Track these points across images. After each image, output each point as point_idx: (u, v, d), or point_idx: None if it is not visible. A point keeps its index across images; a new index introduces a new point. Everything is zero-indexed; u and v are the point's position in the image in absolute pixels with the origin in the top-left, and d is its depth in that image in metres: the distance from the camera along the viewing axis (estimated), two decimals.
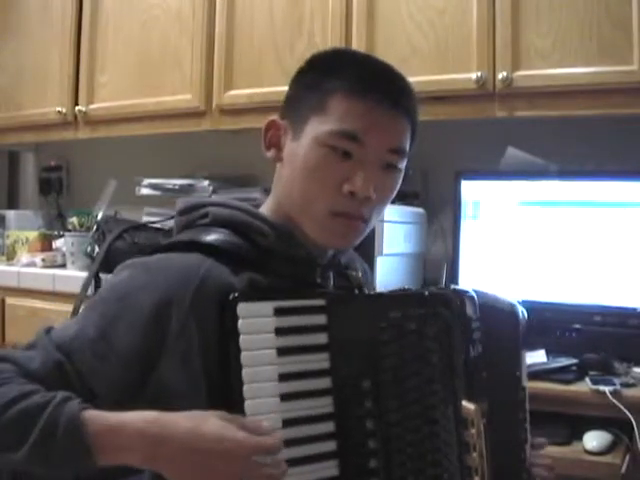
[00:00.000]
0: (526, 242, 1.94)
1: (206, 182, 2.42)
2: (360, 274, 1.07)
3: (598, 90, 1.76)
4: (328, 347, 0.86)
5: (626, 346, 1.78)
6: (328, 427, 0.85)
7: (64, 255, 2.56)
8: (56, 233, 2.75)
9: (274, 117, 1.01)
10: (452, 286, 0.96)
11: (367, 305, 0.91)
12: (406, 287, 0.98)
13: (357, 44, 2.05)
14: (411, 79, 1.94)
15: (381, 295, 1.00)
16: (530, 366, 1.70)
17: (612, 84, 1.74)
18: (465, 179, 2.02)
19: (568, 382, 1.66)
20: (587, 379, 1.64)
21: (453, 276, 1.96)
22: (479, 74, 1.87)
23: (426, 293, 0.94)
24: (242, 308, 0.83)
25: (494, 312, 1.01)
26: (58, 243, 2.66)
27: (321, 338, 0.87)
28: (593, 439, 1.56)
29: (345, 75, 0.95)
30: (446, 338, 0.90)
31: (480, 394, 0.90)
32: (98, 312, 0.87)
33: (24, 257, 2.63)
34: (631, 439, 1.53)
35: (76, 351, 0.84)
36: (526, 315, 1.07)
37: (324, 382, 0.86)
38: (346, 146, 0.93)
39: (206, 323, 0.86)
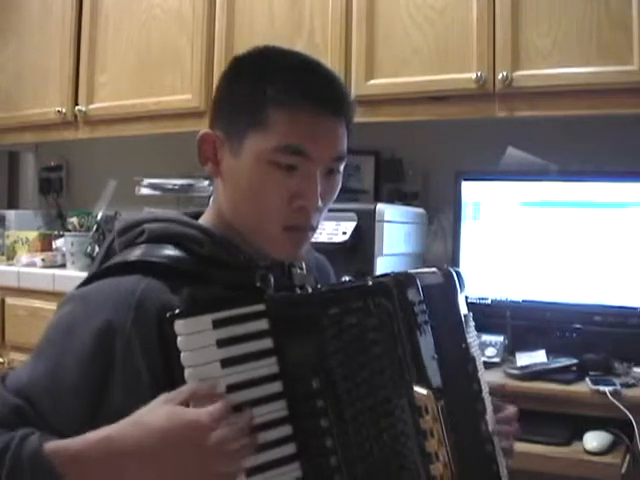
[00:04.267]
0: (526, 242, 1.94)
1: (206, 182, 2.43)
2: (305, 271, 1.06)
3: (598, 90, 1.76)
4: (274, 351, 0.85)
5: (626, 346, 1.78)
6: (286, 431, 0.84)
7: (64, 255, 2.57)
8: (56, 233, 2.75)
9: (206, 130, 0.98)
10: (393, 273, 0.93)
11: (307, 304, 0.90)
12: (348, 278, 0.96)
13: (357, 44, 2.05)
14: (411, 79, 1.98)
15: (320, 292, 0.98)
16: (530, 366, 1.72)
17: (612, 84, 1.74)
18: (465, 180, 2.02)
19: (568, 382, 1.66)
20: (587, 379, 1.64)
21: None
22: (479, 74, 1.87)
23: (366, 284, 0.92)
24: (179, 325, 0.81)
25: (433, 291, 0.98)
26: (58, 243, 2.66)
27: (266, 343, 0.85)
28: (593, 439, 1.56)
29: (280, 83, 0.91)
30: (388, 328, 0.89)
31: (434, 378, 0.90)
32: (45, 353, 0.87)
33: (24, 257, 2.63)
34: (631, 439, 1.53)
35: (32, 396, 0.83)
36: (463, 276, 1.05)
37: (275, 386, 0.85)
38: (291, 161, 0.91)
39: (150, 345, 0.85)
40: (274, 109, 0.90)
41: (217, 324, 0.83)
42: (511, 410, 1.07)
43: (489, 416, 1.02)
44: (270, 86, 0.91)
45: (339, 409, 0.86)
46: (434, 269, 1.04)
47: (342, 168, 0.98)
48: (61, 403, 0.83)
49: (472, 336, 1.05)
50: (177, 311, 0.83)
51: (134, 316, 0.86)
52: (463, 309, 1.05)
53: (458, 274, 1.05)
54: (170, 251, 0.93)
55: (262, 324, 0.86)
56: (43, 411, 0.82)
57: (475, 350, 1.04)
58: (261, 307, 0.86)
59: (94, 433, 0.77)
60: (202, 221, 1.01)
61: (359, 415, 0.87)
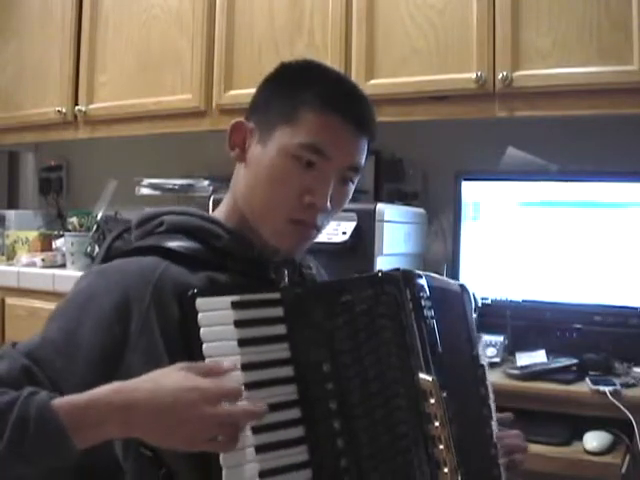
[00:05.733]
0: (526, 242, 1.94)
1: (206, 182, 2.43)
2: (314, 271, 1.13)
3: (598, 90, 1.76)
4: (287, 337, 0.90)
5: (626, 346, 1.78)
6: (294, 414, 0.88)
7: (64, 255, 2.57)
8: (56, 233, 2.75)
9: (240, 119, 1.04)
10: (401, 269, 0.98)
11: (320, 293, 0.95)
12: (358, 274, 1.00)
13: (357, 44, 2.05)
14: (411, 79, 1.98)
15: (332, 282, 1.07)
16: (530, 366, 1.72)
17: (612, 84, 1.74)
18: (465, 180, 2.02)
19: (568, 382, 1.66)
20: (587, 379, 1.64)
21: (453, 276, 1.96)
22: (479, 74, 1.87)
23: (376, 274, 0.98)
24: (201, 303, 0.86)
25: (444, 294, 1.06)
26: (58, 243, 2.66)
27: (280, 329, 0.90)
28: (593, 439, 1.56)
29: (317, 89, 0.99)
30: (397, 315, 0.93)
31: (437, 368, 0.93)
32: (62, 320, 0.90)
33: (24, 257, 2.63)
34: (631, 439, 1.53)
35: (43, 357, 0.86)
36: (478, 298, 1.15)
37: (286, 371, 0.89)
38: (312, 158, 0.97)
39: (167, 319, 0.89)
40: (307, 111, 0.98)
41: (236, 306, 0.88)
42: (516, 431, 1.12)
43: (494, 422, 1.05)
44: (308, 90, 0.99)
45: (348, 392, 0.90)
46: (454, 281, 1.14)
47: (355, 180, 1.04)
48: (73, 364, 0.86)
49: (482, 351, 1.12)
50: (198, 290, 0.88)
51: (153, 291, 0.90)
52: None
53: (474, 296, 1.13)
54: (188, 241, 0.98)
55: (277, 311, 0.91)
56: (51, 372, 0.85)
57: (485, 364, 1.09)
58: (277, 295, 0.92)
59: (102, 387, 0.80)
60: (217, 213, 1.06)
61: (367, 398, 0.90)
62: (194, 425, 0.78)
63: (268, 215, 1.00)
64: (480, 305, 1.16)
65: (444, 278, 1.12)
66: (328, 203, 0.98)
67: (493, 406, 1.08)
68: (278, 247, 1.01)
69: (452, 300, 1.09)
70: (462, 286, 1.13)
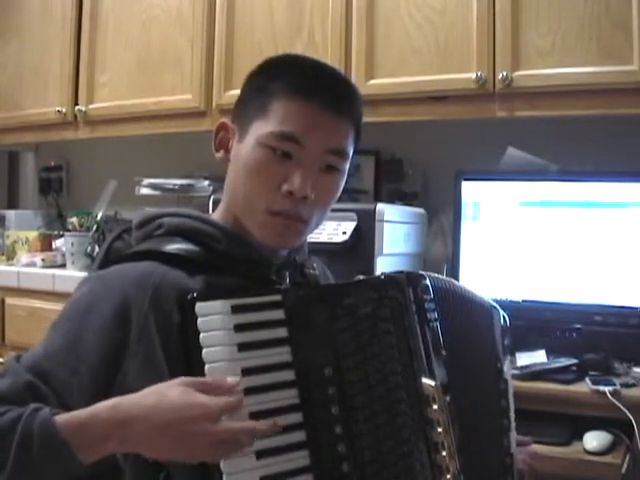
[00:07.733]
0: (526, 242, 1.94)
1: (206, 182, 2.43)
2: (317, 272, 1.11)
3: (598, 90, 1.76)
4: (288, 340, 0.89)
5: (626, 346, 1.78)
6: (296, 418, 0.87)
7: (64, 255, 2.57)
8: (56, 233, 2.75)
9: (225, 119, 1.04)
10: (405, 271, 0.97)
11: (322, 296, 0.93)
12: (361, 277, 0.99)
13: (357, 43, 2.05)
14: (411, 79, 1.98)
15: (335, 285, 1.05)
16: (530, 366, 1.71)
17: (612, 84, 1.74)
18: (465, 180, 2.01)
19: (568, 382, 1.66)
20: (587, 379, 1.64)
21: (453, 276, 1.96)
22: (479, 74, 1.87)
23: (379, 277, 0.97)
24: (200, 307, 0.85)
25: (461, 301, 1.05)
26: (58, 243, 2.66)
27: (280, 332, 0.89)
28: (593, 439, 1.56)
29: (288, 78, 0.98)
30: (400, 319, 0.92)
31: (440, 371, 0.92)
32: (63, 329, 0.90)
33: (24, 257, 2.63)
34: (631, 439, 1.53)
35: (47, 370, 0.85)
36: (507, 319, 1.14)
37: (288, 374, 0.88)
38: (285, 147, 0.96)
39: (166, 325, 0.88)
40: (275, 101, 0.97)
41: (236, 309, 0.86)
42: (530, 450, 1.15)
43: (513, 433, 1.06)
44: (277, 81, 0.98)
45: (350, 397, 0.89)
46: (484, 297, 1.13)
47: (344, 167, 1.01)
48: (77, 374, 0.85)
49: (508, 370, 1.11)
50: (198, 294, 0.87)
51: (152, 295, 0.89)
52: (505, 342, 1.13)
53: (505, 317, 1.14)
54: (187, 244, 0.96)
55: (278, 314, 0.89)
56: (55, 385, 0.84)
57: (509, 379, 1.10)
58: (278, 298, 0.90)
59: (102, 402, 0.79)
60: (215, 215, 1.05)
61: (369, 403, 0.89)
62: (194, 442, 0.77)
63: (249, 208, 0.98)
64: (509, 326, 1.15)
65: (469, 289, 1.10)
66: (308, 190, 0.95)
67: (512, 418, 1.08)
68: (262, 241, 0.99)
69: (472, 308, 1.08)
70: (493, 305, 1.13)
